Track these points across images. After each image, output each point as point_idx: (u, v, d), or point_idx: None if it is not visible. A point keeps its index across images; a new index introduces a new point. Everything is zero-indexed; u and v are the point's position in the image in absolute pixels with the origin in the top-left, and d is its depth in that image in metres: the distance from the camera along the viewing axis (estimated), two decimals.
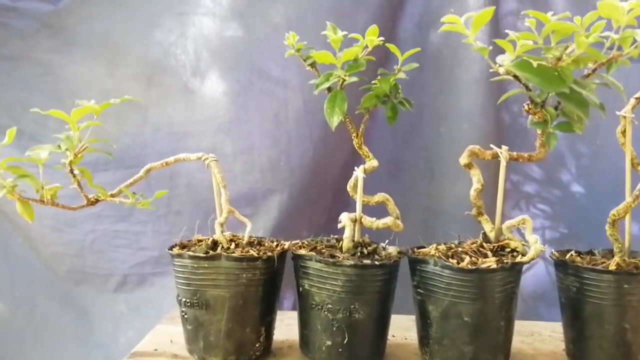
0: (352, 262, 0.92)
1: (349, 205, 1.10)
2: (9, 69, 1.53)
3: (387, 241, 1.06)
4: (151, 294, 1.59)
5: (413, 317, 1.02)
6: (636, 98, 0.99)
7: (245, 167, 1.53)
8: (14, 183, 0.89)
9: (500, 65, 0.84)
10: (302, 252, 0.98)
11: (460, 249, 0.99)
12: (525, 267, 1.53)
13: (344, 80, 0.97)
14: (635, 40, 0.83)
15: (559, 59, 0.84)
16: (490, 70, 0.86)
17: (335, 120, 0.97)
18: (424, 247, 1.03)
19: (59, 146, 0.89)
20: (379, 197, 1.05)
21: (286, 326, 1.11)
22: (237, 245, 0.99)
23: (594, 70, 0.89)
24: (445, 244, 1.04)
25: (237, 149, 1.53)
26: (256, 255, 0.94)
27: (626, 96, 0.91)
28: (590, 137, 1.53)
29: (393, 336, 1.10)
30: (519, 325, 1.17)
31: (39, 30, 1.53)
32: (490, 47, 0.84)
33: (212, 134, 1.54)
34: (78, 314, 1.64)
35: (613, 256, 0.96)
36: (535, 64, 0.82)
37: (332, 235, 1.08)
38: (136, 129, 1.54)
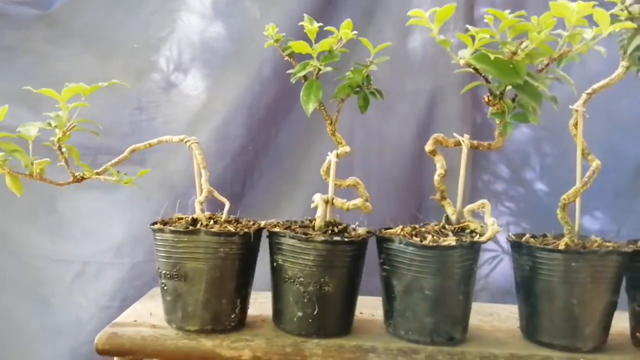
0: (323, 238, 0.99)
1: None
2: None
3: (357, 223, 1.13)
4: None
5: (380, 298, 1.09)
6: (587, 93, 1.07)
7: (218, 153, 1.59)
8: (5, 158, 0.94)
9: (461, 58, 0.92)
10: (277, 229, 1.05)
11: (423, 230, 1.06)
12: (491, 264, 1.65)
13: (319, 69, 1.04)
14: (583, 38, 0.92)
15: (514, 53, 0.92)
16: (452, 61, 0.94)
17: (310, 107, 1.04)
18: (390, 228, 1.11)
19: (49, 124, 0.94)
20: (350, 180, 1.12)
21: (260, 304, 1.17)
22: (215, 222, 1.05)
23: (547, 65, 0.97)
24: (410, 225, 1.12)
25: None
26: (233, 230, 1.00)
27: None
28: (557, 139, 1.63)
29: (361, 313, 1.16)
30: (479, 307, 1.25)
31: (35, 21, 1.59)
32: (452, 40, 0.92)
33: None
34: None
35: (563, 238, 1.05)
36: (492, 56, 0.91)
37: (305, 217, 1.14)
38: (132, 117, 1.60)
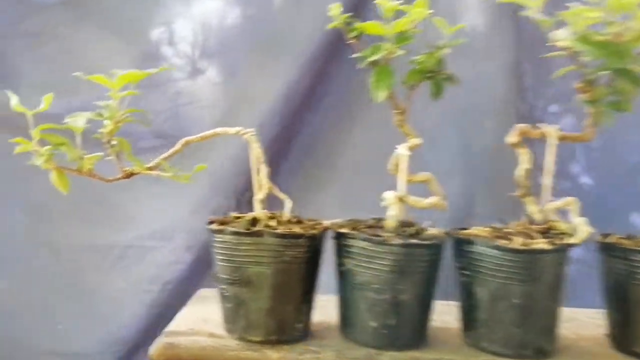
0: (399, 241, 0.90)
1: None
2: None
3: (429, 222, 1.04)
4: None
5: (444, 302, 1.01)
6: None
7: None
8: (51, 151, 0.85)
9: (559, 40, 0.82)
10: (345, 230, 0.95)
11: (506, 230, 0.96)
12: None
13: (392, 53, 0.94)
14: None
15: (619, 34, 0.82)
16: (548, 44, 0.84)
17: (381, 95, 0.94)
18: (466, 228, 1.01)
19: (100, 114, 0.85)
20: (423, 176, 1.02)
21: (320, 307, 1.08)
22: (278, 223, 0.95)
23: None
24: (489, 225, 1.02)
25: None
26: (300, 232, 0.91)
27: None
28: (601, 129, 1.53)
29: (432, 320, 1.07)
30: None
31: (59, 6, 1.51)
32: (554, 19, 0.82)
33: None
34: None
35: None
36: (598, 38, 0.80)
37: (370, 217, 1.05)
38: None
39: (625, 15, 0.82)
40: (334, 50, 1.52)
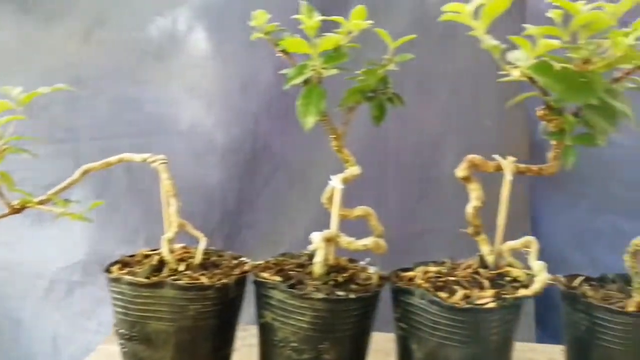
0: (321, 296, 0.77)
1: None
2: None
3: (367, 259, 0.91)
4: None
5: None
6: None
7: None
8: None
9: (514, 67, 0.67)
10: (266, 276, 0.83)
11: (452, 278, 0.84)
12: None
13: (319, 73, 0.79)
14: None
15: (587, 61, 0.67)
16: (500, 72, 0.69)
17: (310, 121, 0.79)
18: (410, 269, 0.88)
19: None
20: (360, 210, 0.89)
21: (248, 347, 0.96)
22: (187, 267, 0.83)
23: (628, 74, 0.72)
24: (437, 263, 0.90)
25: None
26: (207, 283, 0.78)
27: None
28: None
29: None
30: None
31: None
32: (504, 45, 0.67)
33: None
34: None
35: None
36: (557, 66, 0.66)
37: (304, 250, 0.92)
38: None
39: (594, 37, 0.68)
40: None
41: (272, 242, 1.31)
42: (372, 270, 0.89)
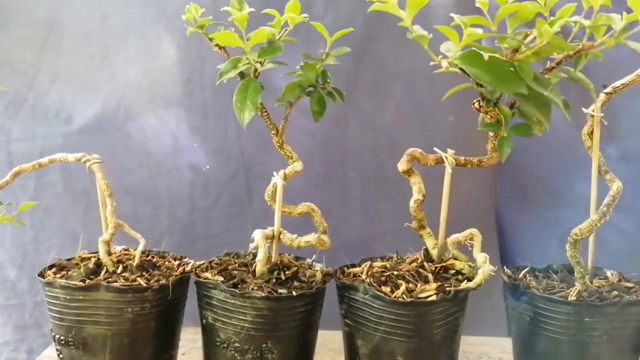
0: (262, 294, 0.76)
1: None
2: None
3: (314, 257, 0.90)
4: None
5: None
6: (606, 93, 0.83)
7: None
8: None
9: (443, 58, 0.67)
10: (207, 276, 0.81)
11: (396, 272, 0.83)
12: None
13: (256, 67, 0.78)
14: (610, 29, 0.67)
15: (516, 50, 0.67)
16: (432, 62, 0.69)
17: (246, 117, 0.78)
18: (356, 266, 0.88)
19: None
20: (303, 207, 0.88)
21: (199, 349, 0.94)
22: (125, 269, 0.81)
23: (559, 63, 0.72)
24: (383, 259, 0.89)
25: None
26: (144, 285, 0.77)
27: (595, 94, 0.75)
28: None
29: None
30: (465, 344, 1.04)
31: None
32: (431, 35, 0.66)
33: None
34: None
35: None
36: (486, 56, 0.65)
37: (248, 250, 0.90)
38: None
39: (521, 27, 0.68)
40: None
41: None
42: (318, 267, 0.88)
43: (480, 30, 0.63)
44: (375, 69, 1.27)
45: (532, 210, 1.37)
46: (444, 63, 0.67)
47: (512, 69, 0.67)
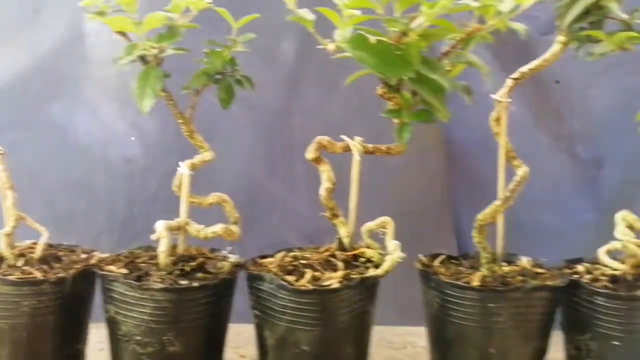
0: (161, 286, 0.75)
1: None
2: None
3: (229, 248, 0.89)
4: None
5: None
6: (513, 79, 0.83)
7: None
8: None
9: (329, 42, 0.66)
10: (111, 269, 0.80)
11: (305, 261, 0.82)
12: None
13: (156, 53, 0.77)
14: (499, 11, 0.67)
15: (404, 33, 0.67)
16: (320, 46, 0.68)
17: (146, 104, 0.76)
18: (268, 256, 0.87)
19: None
20: (214, 197, 0.87)
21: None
22: (26, 262, 0.79)
23: (454, 47, 0.72)
24: (298, 249, 0.89)
25: None
26: (41, 277, 0.75)
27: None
28: None
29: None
30: (392, 334, 1.04)
31: None
32: (315, 17, 0.66)
33: None
34: None
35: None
36: (372, 39, 0.65)
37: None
38: None
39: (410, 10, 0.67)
40: None
41: None
42: (232, 258, 0.87)
43: (359, 12, 0.62)
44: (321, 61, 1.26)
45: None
46: (331, 46, 0.66)
47: (398, 52, 0.66)
